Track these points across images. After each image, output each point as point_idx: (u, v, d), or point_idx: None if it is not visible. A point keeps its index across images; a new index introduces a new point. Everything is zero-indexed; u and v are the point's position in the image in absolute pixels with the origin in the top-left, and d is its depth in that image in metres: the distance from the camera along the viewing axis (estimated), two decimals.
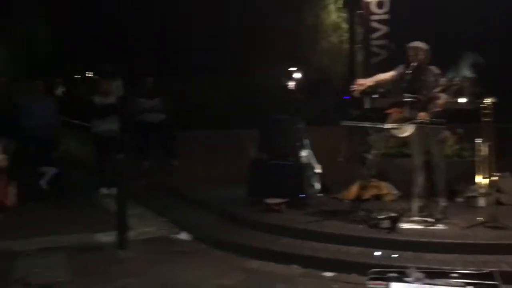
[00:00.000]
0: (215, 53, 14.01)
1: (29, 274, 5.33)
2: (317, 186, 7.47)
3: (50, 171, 8.77)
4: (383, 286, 3.73)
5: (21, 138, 8.73)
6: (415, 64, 5.97)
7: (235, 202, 7.28)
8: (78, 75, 25.94)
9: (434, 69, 6.04)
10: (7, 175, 7.97)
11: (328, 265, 5.33)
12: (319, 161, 7.50)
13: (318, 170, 7.44)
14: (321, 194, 7.47)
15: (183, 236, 6.70)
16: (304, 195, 7.00)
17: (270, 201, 6.78)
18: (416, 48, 6.02)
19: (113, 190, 8.45)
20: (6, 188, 7.63)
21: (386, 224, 5.75)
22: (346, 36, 9.68)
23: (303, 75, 15.18)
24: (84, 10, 17.85)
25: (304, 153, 7.25)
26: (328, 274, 5.26)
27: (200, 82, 13.55)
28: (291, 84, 16.37)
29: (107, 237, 6.49)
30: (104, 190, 9.02)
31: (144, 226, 7.06)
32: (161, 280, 5.25)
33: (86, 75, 24.87)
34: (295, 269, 5.46)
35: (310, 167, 7.33)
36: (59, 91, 24.08)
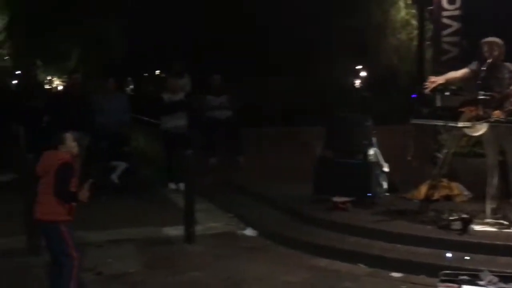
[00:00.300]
0: (281, 51, 14.01)
1: (101, 264, 5.52)
2: (385, 185, 7.33)
3: (121, 166, 9.01)
4: None
5: (94, 134, 9.03)
6: (490, 60, 5.76)
7: (301, 200, 7.26)
8: (147, 73, 26.62)
9: (510, 66, 5.81)
10: (80, 169, 8.28)
11: (396, 265, 5.23)
12: (387, 160, 7.36)
13: (385, 169, 7.30)
14: (389, 194, 7.33)
15: (249, 232, 6.75)
16: (371, 194, 6.89)
17: (337, 199, 6.71)
18: (492, 43, 5.80)
19: (181, 186, 8.65)
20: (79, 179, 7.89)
21: (457, 225, 5.58)
22: (415, 33, 9.45)
23: (370, 73, 14.95)
24: (153, 8, 18.24)
25: (371, 152, 7.13)
26: (396, 274, 5.16)
27: (265, 79, 13.59)
28: (358, 82, 16.17)
29: (175, 231, 6.62)
30: (172, 186, 9.17)
31: (211, 221, 7.15)
32: (227, 274, 5.30)
33: (155, 73, 25.48)
34: (362, 268, 5.39)
35: (378, 165, 7.20)
36: (129, 89, 24.81)
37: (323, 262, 5.58)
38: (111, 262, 5.62)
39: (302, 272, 5.31)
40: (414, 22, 10.16)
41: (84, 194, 4.31)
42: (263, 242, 6.36)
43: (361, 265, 5.41)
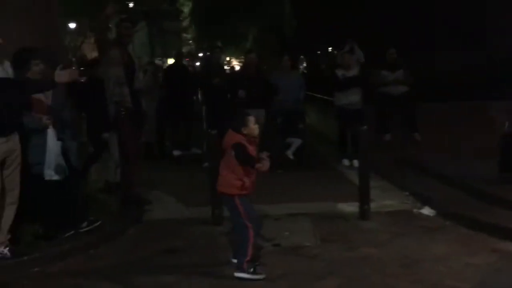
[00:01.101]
0: (458, 24, 13.18)
1: (279, 237, 5.69)
2: None
3: (296, 142, 9.19)
4: None
5: (270, 111, 9.31)
6: None
7: (483, 178, 6.81)
8: (319, 51, 26.72)
9: None
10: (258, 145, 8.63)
11: None
12: None
13: None
14: None
15: (426, 211, 6.51)
16: None
17: None
18: None
19: (355, 163, 8.59)
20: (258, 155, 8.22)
21: None
22: None
23: None
24: None
25: None
26: None
27: (442, 53, 12.90)
28: None
29: (350, 207, 6.61)
30: (346, 162, 9.17)
31: (385, 199, 7.02)
32: (404, 252, 5.17)
33: (328, 50, 25.46)
34: None
35: None
36: (302, 67, 25.15)
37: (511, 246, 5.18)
38: (288, 235, 5.76)
39: (486, 256, 5.00)
40: None
41: (265, 164, 4.44)
42: (441, 222, 6.10)
43: None
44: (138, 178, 6.87)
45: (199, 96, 10.32)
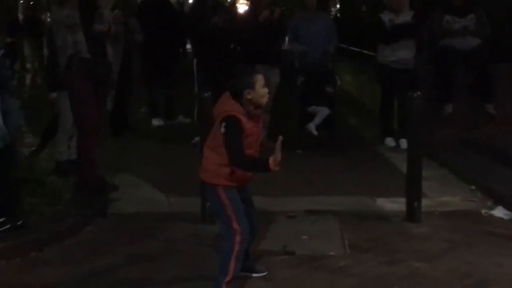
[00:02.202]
0: None
1: (293, 242, 5.66)
2: None
3: (322, 112, 9.13)
4: None
5: (287, 68, 9.24)
6: None
7: None
8: None
9: None
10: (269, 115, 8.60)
11: None
12: None
13: None
14: None
15: (500, 212, 6.50)
16: None
17: None
18: None
19: (403, 143, 8.56)
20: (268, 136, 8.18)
21: None
22: None
23: None
24: None
25: None
26: None
27: None
28: None
29: (393, 204, 6.61)
30: (390, 142, 9.19)
31: (443, 194, 7.02)
32: (466, 269, 5.13)
33: None
34: None
35: None
36: (334, 9, 24.92)
37: None
38: (307, 240, 5.75)
39: None
40: None
41: (276, 159, 4.24)
42: None
43: None
44: (101, 156, 6.85)
45: (189, 44, 10.26)
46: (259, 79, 4.47)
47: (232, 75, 4.64)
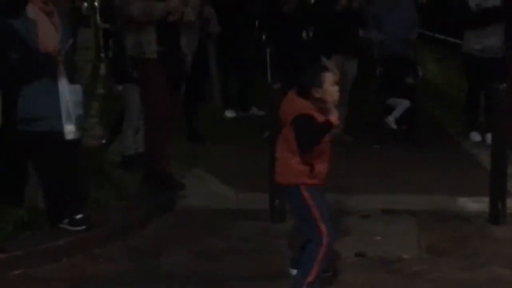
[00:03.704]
0: None
1: (366, 243, 5.63)
2: None
3: (402, 104, 9.00)
4: None
5: (366, 58, 9.11)
6: None
7: None
8: None
9: None
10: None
11: None
12: None
13: None
14: None
15: None
16: None
17: None
18: None
19: (489, 138, 8.33)
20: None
21: None
22: None
23: None
24: None
25: None
26: None
27: None
28: None
29: (476, 203, 6.52)
30: (476, 137, 9.03)
31: None
32: None
33: None
34: None
35: None
36: None
37: None
38: (380, 241, 5.70)
39: None
40: None
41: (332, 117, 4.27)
42: None
43: None
44: (170, 150, 6.89)
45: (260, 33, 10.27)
46: (328, 76, 4.39)
47: (299, 71, 4.57)
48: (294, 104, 4.39)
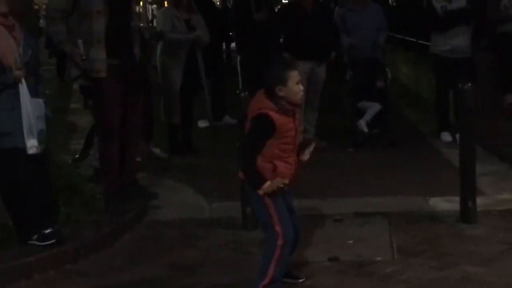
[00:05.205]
0: None
1: (338, 246, 5.61)
2: None
3: (373, 107, 9.03)
4: None
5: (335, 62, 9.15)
6: None
7: None
8: None
9: None
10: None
11: None
12: None
13: None
14: None
15: None
16: None
17: None
18: None
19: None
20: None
21: None
22: None
23: None
24: None
25: None
26: None
27: None
28: None
29: (447, 203, 6.52)
30: (446, 137, 9.05)
31: (502, 191, 6.91)
32: None
33: None
34: None
35: None
36: None
37: None
38: (353, 245, 5.69)
39: None
40: None
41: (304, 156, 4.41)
42: None
43: None
44: (138, 161, 6.87)
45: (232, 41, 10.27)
46: (292, 75, 4.41)
47: (265, 71, 4.60)
48: (257, 103, 4.43)
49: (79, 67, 6.36)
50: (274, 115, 4.34)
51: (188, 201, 7.03)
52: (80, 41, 6.21)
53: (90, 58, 6.26)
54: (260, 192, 4.35)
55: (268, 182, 4.33)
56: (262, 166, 4.42)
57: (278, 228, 4.43)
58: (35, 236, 5.39)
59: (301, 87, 4.47)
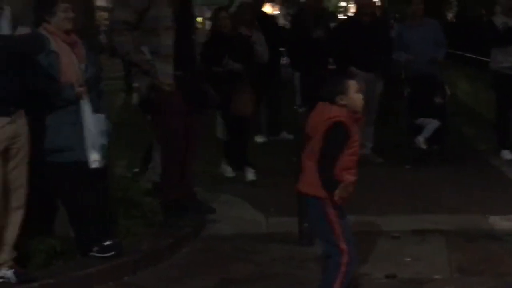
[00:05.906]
0: None
1: (395, 264, 5.58)
2: None
3: (432, 124, 8.95)
4: None
5: (392, 77, 9.09)
6: None
7: None
8: None
9: None
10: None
11: None
12: None
13: None
14: None
15: None
16: None
17: None
18: None
19: None
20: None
21: None
22: None
23: None
24: None
25: None
26: None
27: None
28: None
29: (507, 222, 6.50)
30: (506, 154, 8.94)
31: None
32: None
33: None
34: None
35: None
36: (450, 14, 24.43)
37: None
38: (410, 262, 5.65)
39: None
40: None
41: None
42: None
43: None
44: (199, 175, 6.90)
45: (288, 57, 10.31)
46: (352, 84, 4.40)
47: (324, 84, 4.58)
48: (326, 113, 4.33)
49: (148, 73, 6.42)
50: (348, 122, 4.31)
51: (245, 216, 7.04)
52: (145, 48, 6.29)
53: (158, 71, 6.35)
54: (335, 196, 4.26)
55: (342, 184, 4.24)
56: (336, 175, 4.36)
57: (343, 245, 4.34)
58: (96, 248, 5.47)
59: (361, 96, 4.45)
